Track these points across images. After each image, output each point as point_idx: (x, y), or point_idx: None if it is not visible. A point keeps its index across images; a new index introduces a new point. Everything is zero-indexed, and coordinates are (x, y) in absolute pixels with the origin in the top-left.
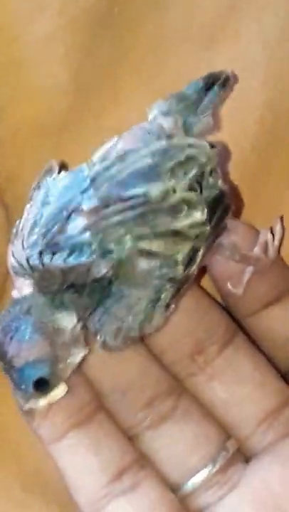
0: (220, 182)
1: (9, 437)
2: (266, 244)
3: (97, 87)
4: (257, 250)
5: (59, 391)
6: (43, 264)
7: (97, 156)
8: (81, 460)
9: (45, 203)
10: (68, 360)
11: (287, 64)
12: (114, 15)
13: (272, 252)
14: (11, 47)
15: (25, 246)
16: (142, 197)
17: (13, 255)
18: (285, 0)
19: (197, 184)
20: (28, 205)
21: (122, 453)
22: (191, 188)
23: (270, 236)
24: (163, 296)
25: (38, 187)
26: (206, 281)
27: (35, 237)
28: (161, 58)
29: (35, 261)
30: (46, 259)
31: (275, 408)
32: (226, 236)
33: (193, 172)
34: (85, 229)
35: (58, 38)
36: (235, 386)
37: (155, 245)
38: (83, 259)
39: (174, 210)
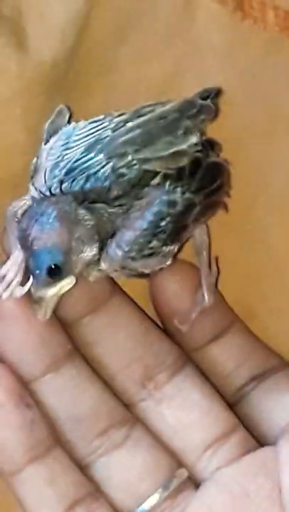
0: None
1: None
2: (211, 284)
3: None
4: (203, 290)
5: (68, 282)
6: (62, 191)
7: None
8: (38, 491)
9: (66, 148)
10: (80, 255)
11: None
12: (69, 80)
13: (215, 291)
14: None
15: (47, 179)
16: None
17: (34, 188)
18: (228, 64)
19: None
20: (45, 146)
21: (77, 486)
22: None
23: (211, 276)
24: (162, 224)
25: (54, 132)
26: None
27: (56, 172)
28: None
29: (56, 189)
30: (65, 186)
31: (221, 435)
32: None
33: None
34: (100, 158)
35: (15, 101)
36: (182, 412)
37: (158, 165)
38: (99, 183)
39: (172, 129)
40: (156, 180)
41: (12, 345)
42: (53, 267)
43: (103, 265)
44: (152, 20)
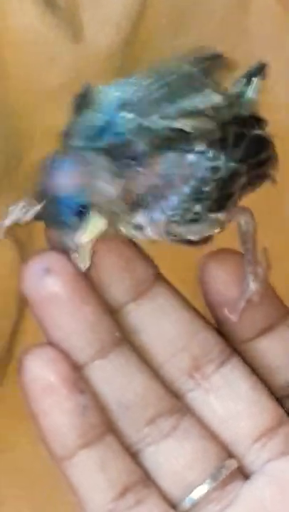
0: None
1: (21, 464)
2: (257, 273)
3: None
4: (252, 281)
5: (99, 223)
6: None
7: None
8: (90, 477)
9: (92, 111)
10: (105, 196)
11: None
12: (125, 70)
13: (262, 276)
14: (25, 96)
15: (73, 143)
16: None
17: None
18: (280, 56)
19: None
20: (75, 115)
21: (128, 472)
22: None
23: (255, 264)
24: (206, 189)
25: (86, 105)
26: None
27: (84, 134)
28: None
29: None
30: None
31: (270, 427)
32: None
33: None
34: (123, 116)
35: (68, 88)
36: (231, 402)
37: (183, 123)
38: (123, 139)
39: (191, 84)
40: (201, 147)
41: (60, 331)
42: (80, 209)
43: (149, 231)
44: (207, 12)
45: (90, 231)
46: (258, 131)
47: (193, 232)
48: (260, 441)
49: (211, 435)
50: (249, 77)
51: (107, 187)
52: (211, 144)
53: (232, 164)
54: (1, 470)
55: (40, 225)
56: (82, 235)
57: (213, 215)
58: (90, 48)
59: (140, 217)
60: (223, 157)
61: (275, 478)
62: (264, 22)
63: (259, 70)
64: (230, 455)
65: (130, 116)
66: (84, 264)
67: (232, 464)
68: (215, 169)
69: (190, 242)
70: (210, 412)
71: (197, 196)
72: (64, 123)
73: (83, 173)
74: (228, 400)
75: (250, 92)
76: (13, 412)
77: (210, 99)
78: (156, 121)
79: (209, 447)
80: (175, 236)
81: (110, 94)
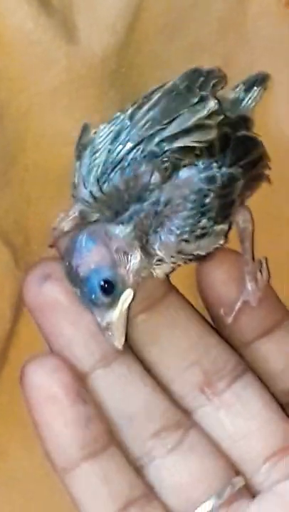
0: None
1: (16, 474)
2: (255, 276)
3: None
4: (249, 280)
5: (127, 296)
6: (103, 192)
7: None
8: (92, 490)
9: (94, 153)
10: (127, 266)
11: None
12: (121, 73)
13: (261, 284)
14: (18, 98)
15: (86, 187)
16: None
17: (78, 201)
18: (278, 58)
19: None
20: (77, 163)
21: (131, 486)
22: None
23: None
24: (207, 201)
25: (84, 146)
26: None
27: (92, 178)
28: None
29: (97, 192)
30: (105, 187)
31: (281, 447)
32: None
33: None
34: (128, 148)
35: (63, 91)
36: (242, 420)
37: (188, 140)
38: (133, 172)
39: (187, 98)
40: (187, 161)
41: (61, 338)
42: (104, 284)
43: (159, 253)
44: (204, 13)
45: (119, 306)
46: (242, 132)
47: (202, 248)
48: (270, 461)
49: (219, 452)
50: (250, 85)
51: (131, 257)
52: (198, 156)
53: (226, 171)
54: None
55: (37, 228)
56: (113, 312)
57: (219, 227)
58: (84, 50)
59: (139, 258)
60: (214, 164)
61: (285, 499)
62: (263, 24)
63: (261, 81)
64: (237, 473)
65: (129, 145)
66: (119, 342)
67: (238, 482)
68: (211, 179)
69: (199, 258)
70: (220, 429)
71: (200, 210)
72: (59, 125)
73: (99, 247)
74: (240, 418)
75: (249, 101)
76: (6, 418)
77: (204, 106)
78: (159, 145)
79: (215, 464)
80: (186, 255)
81: (102, 131)
